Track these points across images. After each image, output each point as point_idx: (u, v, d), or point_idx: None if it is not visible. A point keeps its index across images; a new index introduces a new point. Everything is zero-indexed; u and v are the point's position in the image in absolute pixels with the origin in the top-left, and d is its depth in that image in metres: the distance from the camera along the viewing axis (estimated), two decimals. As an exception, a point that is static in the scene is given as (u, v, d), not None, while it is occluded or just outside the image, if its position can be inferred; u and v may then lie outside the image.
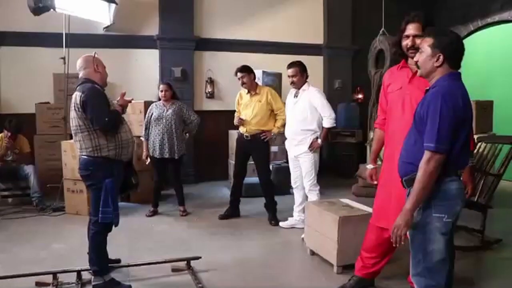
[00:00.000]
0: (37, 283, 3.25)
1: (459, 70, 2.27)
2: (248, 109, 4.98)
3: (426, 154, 2.12)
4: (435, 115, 2.10)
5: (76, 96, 3.05)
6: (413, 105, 2.75)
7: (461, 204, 2.24)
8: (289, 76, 4.54)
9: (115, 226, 3.16)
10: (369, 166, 3.25)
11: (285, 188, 6.04)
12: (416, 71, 2.79)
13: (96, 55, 3.23)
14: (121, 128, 3.15)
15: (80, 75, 3.18)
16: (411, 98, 2.78)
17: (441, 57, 2.20)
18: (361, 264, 3.19)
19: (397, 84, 2.91)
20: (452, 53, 2.22)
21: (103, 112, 3.02)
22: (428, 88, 2.28)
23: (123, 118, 3.28)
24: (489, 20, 7.23)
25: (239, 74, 4.92)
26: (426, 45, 2.25)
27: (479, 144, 4.56)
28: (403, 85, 2.86)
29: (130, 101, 3.36)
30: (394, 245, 2.24)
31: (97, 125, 3.02)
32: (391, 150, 2.90)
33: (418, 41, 2.71)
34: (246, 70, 4.94)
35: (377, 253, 3.10)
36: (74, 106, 3.06)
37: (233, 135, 6.02)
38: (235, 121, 5.05)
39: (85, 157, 3.09)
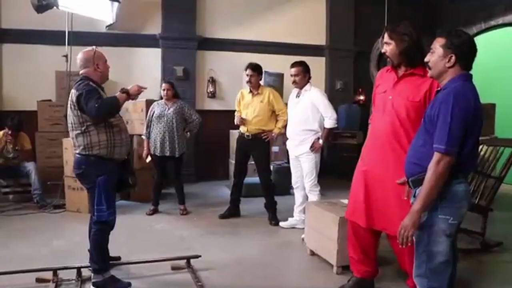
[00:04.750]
0: (37, 279, 3.25)
1: (470, 72, 2.26)
2: (249, 108, 4.98)
3: (436, 156, 2.11)
4: (446, 116, 2.09)
5: (72, 94, 3.07)
6: (392, 110, 2.83)
7: (467, 206, 2.24)
8: (291, 75, 4.55)
9: (111, 225, 3.14)
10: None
11: (286, 188, 6.05)
12: (401, 76, 2.86)
13: (96, 50, 3.20)
14: (114, 127, 3.12)
15: (80, 72, 3.18)
16: (392, 103, 2.84)
17: (453, 57, 2.19)
18: (351, 262, 3.22)
19: (384, 86, 2.98)
20: (464, 54, 2.20)
21: (94, 100, 2.96)
22: (439, 89, 2.28)
23: (120, 118, 3.26)
24: (493, 23, 7.22)
25: (249, 71, 4.90)
26: (438, 45, 2.23)
27: (480, 147, 4.55)
28: (387, 89, 2.92)
29: (140, 90, 3.30)
30: (400, 246, 2.24)
31: (90, 113, 2.98)
32: (367, 149, 3.03)
33: (385, 47, 2.87)
34: (257, 70, 4.95)
35: (359, 250, 3.13)
36: (70, 104, 3.07)
37: (234, 134, 6.02)
38: (236, 121, 5.04)
39: (78, 155, 3.11)
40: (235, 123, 5.08)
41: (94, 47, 3.24)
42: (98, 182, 3.02)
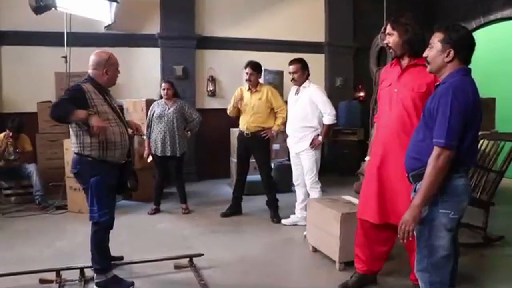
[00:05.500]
0: (40, 280, 3.26)
1: (469, 66, 2.26)
2: (248, 106, 4.99)
3: (436, 150, 2.12)
4: (445, 111, 2.09)
5: None
6: (399, 102, 2.83)
7: (467, 201, 2.24)
8: (290, 73, 4.55)
9: (103, 225, 3.12)
10: (367, 158, 3.28)
11: (287, 185, 6.05)
12: (405, 68, 2.86)
13: (111, 56, 3.18)
14: (107, 129, 3.06)
15: (89, 71, 3.18)
16: (397, 96, 2.85)
17: (452, 52, 2.19)
18: (356, 260, 3.22)
19: (388, 81, 2.98)
20: (463, 48, 2.21)
21: (58, 99, 3.01)
22: (438, 83, 2.28)
23: (116, 120, 3.17)
24: (492, 17, 7.21)
25: (249, 70, 4.91)
26: (436, 40, 2.24)
27: (481, 141, 4.55)
28: (392, 82, 2.92)
29: (101, 127, 2.95)
30: (401, 241, 2.24)
31: None
32: (377, 145, 3.01)
33: (388, 38, 2.87)
34: (257, 69, 4.96)
35: (367, 249, 3.12)
36: None
37: (234, 133, 6.03)
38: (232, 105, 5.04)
39: (75, 155, 3.13)
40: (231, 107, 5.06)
41: (110, 52, 3.23)
42: (90, 183, 3.02)
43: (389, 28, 2.88)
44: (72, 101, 2.96)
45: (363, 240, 3.12)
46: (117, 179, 3.21)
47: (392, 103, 2.87)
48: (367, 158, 3.27)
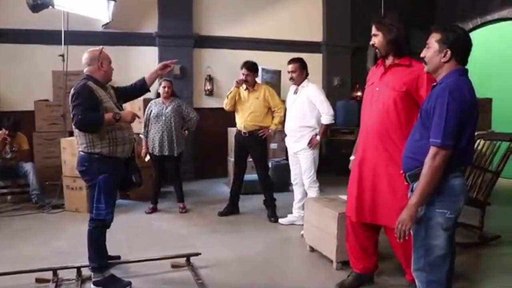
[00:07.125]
0: (37, 280, 3.26)
1: (466, 66, 2.27)
2: (245, 105, 4.99)
3: (432, 150, 2.13)
4: (442, 110, 2.11)
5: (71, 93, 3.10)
6: (379, 101, 2.88)
7: (464, 200, 2.25)
8: (288, 72, 4.56)
9: (108, 223, 3.15)
10: (352, 158, 3.31)
11: (285, 185, 6.06)
12: (388, 67, 2.92)
13: (102, 50, 3.22)
14: (115, 125, 3.11)
15: (84, 70, 3.19)
16: (378, 95, 2.90)
17: (449, 52, 2.21)
18: (350, 257, 3.26)
19: (372, 79, 3.05)
20: (460, 48, 2.23)
21: (80, 110, 2.98)
22: (435, 84, 2.30)
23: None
24: (489, 18, 7.24)
25: (245, 71, 4.91)
26: (433, 40, 2.26)
27: (477, 141, 4.57)
28: (374, 81, 2.99)
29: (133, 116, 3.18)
30: (398, 240, 2.25)
31: (73, 122, 3.03)
32: (359, 143, 3.09)
33: (374, 39, 2.95)
34: (253, 70, 4.97)
35: (358, 246, 3.17)
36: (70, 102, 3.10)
37: (232, 132, 6.02)
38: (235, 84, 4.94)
39: (82, 153, 3.13)
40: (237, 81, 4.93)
41: (101, 46, 3.26)
42: (98, 181, 3.02)
43: (374, 29, 2.95)
44: (91, 107, 2.99)
45: (353, 237, 3.19)
46: (123, 176, 3.23)
47: (373, 101, 2.93)
48: (351, 158, 3.30)
